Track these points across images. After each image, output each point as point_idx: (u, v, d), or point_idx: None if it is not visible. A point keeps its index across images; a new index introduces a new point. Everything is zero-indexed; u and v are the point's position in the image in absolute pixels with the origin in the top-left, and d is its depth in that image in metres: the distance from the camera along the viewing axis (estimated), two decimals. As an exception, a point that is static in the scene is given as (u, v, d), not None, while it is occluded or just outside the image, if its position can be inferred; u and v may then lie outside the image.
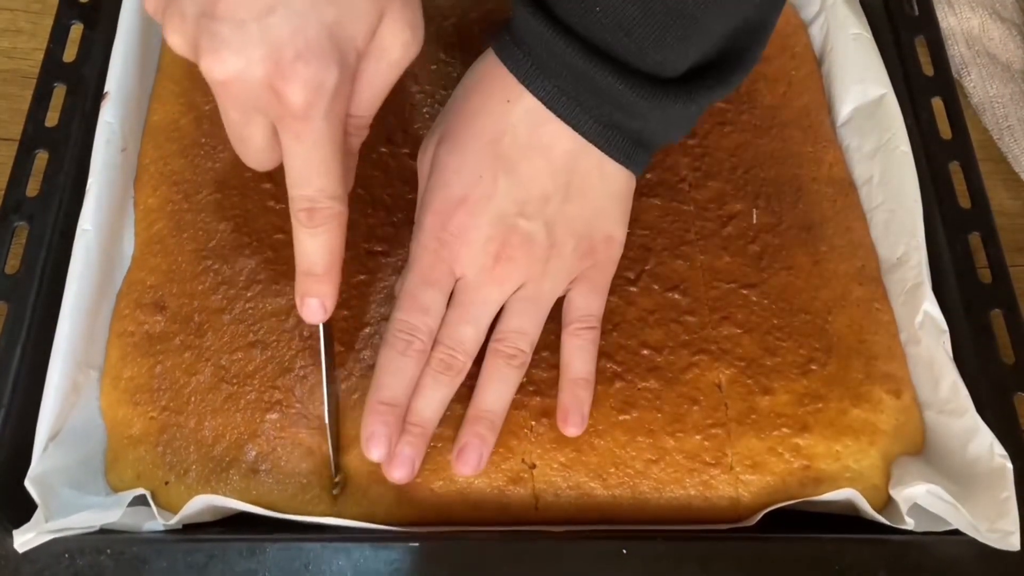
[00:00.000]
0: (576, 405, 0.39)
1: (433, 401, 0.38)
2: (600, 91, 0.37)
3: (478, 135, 0.39)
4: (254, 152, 0.35)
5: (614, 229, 0.41)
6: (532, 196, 0.39)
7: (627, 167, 0.40)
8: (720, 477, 0.39)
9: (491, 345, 0.39)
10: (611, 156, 0.39)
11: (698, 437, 0.39)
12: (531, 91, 0.38)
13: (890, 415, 0.40)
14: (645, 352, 0.41)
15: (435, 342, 0.39)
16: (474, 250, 0.39)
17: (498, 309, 0.40)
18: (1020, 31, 0.54)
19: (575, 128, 0.38)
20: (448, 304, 0.39)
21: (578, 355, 0.40)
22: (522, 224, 0.39)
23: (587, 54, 0.36)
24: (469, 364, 0.39)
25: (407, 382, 0.38)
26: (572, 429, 0.39)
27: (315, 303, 0.36)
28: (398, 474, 0.37)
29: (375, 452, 0.37)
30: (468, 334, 0.39)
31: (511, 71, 0.38)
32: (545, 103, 0.38)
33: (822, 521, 0.39)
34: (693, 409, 0.40)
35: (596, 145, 0.39)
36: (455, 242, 0.39)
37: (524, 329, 0.39)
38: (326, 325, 0.38)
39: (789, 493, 0.39)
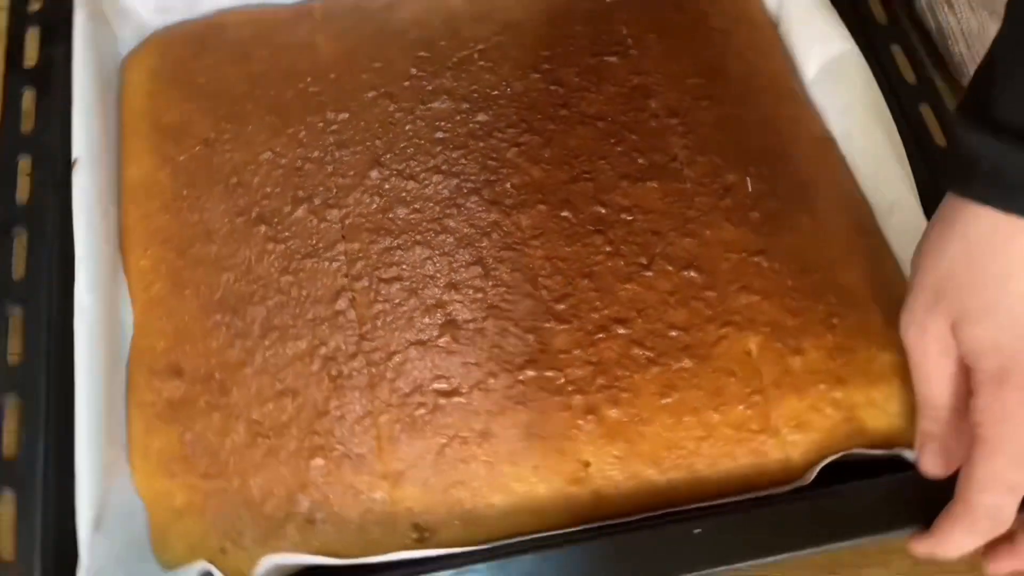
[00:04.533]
0: None
1: None
2: None
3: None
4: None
5: None
6: None
7: None
8: (768, 442, 0.40)
9: None
10: None
11: (741, 407, 0.40)
12: None
13: (916, 353, 0.42)
14: (673, 333, 0.42)
15: None
16: None
17: None
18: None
19: None
20: None
21: None
22: None
23: None
24: None
25: None
26: None
27: None
28: None
29: None
30: None
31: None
32: None
33: (875, 467, 0.40)
34: (731, 381, 0.41)
35: None
36: None
37: None
38: None
39: (837, 447, 0.40)
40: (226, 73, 0.48)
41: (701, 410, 0.40)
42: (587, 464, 0.39)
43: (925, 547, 0.36)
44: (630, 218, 0.44)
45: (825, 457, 0.39)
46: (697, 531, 0.37)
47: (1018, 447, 0.33)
